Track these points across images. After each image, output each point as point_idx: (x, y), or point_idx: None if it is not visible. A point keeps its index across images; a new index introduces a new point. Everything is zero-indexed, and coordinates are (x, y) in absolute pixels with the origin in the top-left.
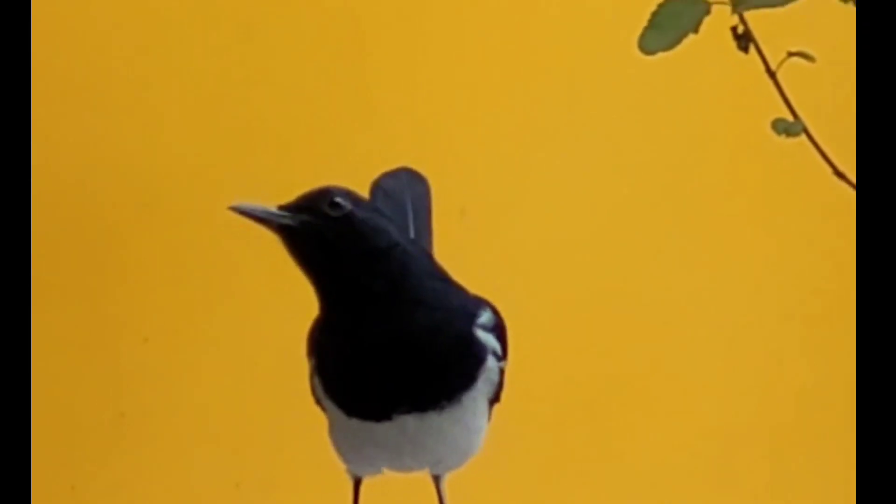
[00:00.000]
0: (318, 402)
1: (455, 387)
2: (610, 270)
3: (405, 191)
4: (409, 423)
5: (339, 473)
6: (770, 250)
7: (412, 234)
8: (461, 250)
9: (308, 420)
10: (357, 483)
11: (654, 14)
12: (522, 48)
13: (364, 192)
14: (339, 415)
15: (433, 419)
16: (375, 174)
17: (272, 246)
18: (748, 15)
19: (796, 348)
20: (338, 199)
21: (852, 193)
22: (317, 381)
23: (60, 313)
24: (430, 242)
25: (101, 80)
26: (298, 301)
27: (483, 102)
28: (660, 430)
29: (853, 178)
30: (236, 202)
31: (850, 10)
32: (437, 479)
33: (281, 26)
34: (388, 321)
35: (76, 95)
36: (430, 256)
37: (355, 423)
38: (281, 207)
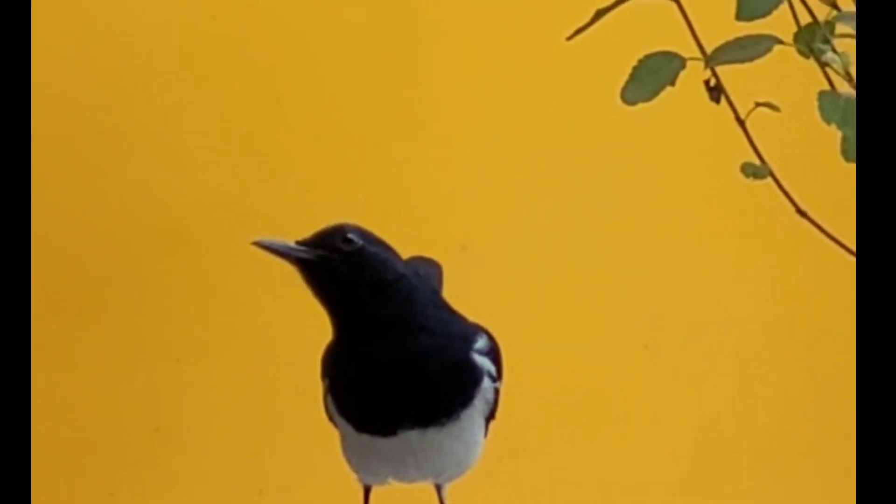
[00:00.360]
0: (330, 419)
1: (454, 405)
2: (595, 298)
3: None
4: (412, 438)
5: (352, 481)
6: (740, 277)
7: None
8: (462, 282)
9: (324, 432)
10: (367, 491)
11: (635, 68)
12: (520, 100)
13: (374, 227)
14: (350, 431)
15: (434, 434)
16: (387, 210)
17: (291, 276)
18: (719, 69)
19: (765, 368)
20: (350, 236)
21: (812, 228)
22: (329, 400)
23: (101, 338)
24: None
25: (136, 117)
26: (315, 325)
27: (483, 149)
28: (641, 441)
29: (813, 215)
30: (259, 238)
31: (812, 64)
32: (438, 488)
33: (304, 73)
34: (394, 346)
35: (111, 133)
36: (433, 288)
37: (364, 438)
38: (299, 242)
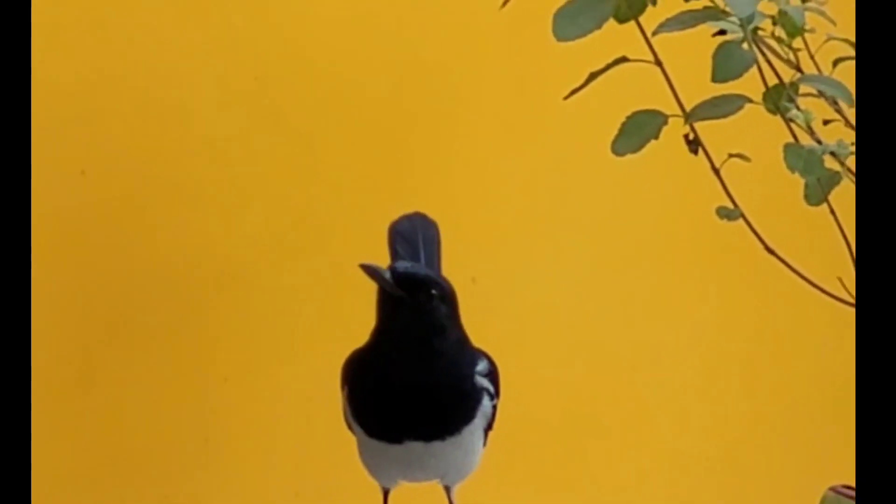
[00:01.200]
0: (348, 425)
1: (457, 423)
2: (588, 325)
3: (418, 231)
4: (416, 447)
5: (377, 486)
6: (716, 307)
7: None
8: (471, 313)
9: (352, 442)
10: (385, 494)
11: (624, 124)
12: (524, 150)
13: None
14: (363, 435)
15: (437, 446)
16: None
17: (325, 308)
18: (697, 124)
19: (736, 390)
20: (434, 292)
21: (780, 265)
22: (347, 406)
23: (159, 360)
24: (439, 271)
25: (189, 169)
26: (345, 351)
27: (492, 194)
28: (628, 452)
29: (779, 252)
30: (366, 261)
31: (778, 120)
32: (447, 489)
33: (336, 128)
34: (413, 366)
35: (168, 182)
36: (460, 322)
37: (374, 442)
38: (393, 274)
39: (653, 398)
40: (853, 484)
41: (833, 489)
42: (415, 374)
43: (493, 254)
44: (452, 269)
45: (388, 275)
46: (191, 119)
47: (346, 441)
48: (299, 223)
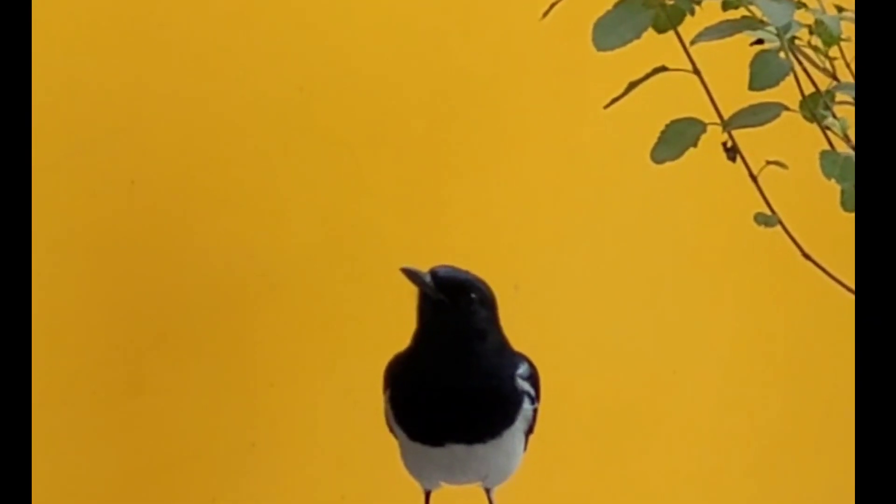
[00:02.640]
0: (390, 428)
1: (498, 426)
2: (630, 330)
3: None
4: (457, 450)
5: (419, 487)
6: (754, 311)
7: None
8: (514, 318)
9: (394, 444)
10: (427, 495)
11: (663, 132)
12: (566, 159)
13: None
14: (405, 438)
15: (478, 449)
16: (452, 253)
17: (366, 315)
18: (735, 132)
19: (772, 394)
20: (473, 296)
21: (817, 271)
22: (389, 409)
23: (207, 366)
24: None
25: (237, 180)
26: (385, 355)
27: (534, 202)
28: (668, 453)
29: (816, 257)
30: (406, 265)
31: (814, 128)
32: (488, 492)
33: (378, 136)
34: (455, 369)
35: (218, 194)
36: (499, 326)
37: (417, 446)
38: (434, 278)
39: (691, 401)
40: None
41: None
42: (455, 378)
43: (535, 261)
44: (495, 276)
45: (428, 278)
46: (237, 129)
47: (389, 443)
48: (342, 230)
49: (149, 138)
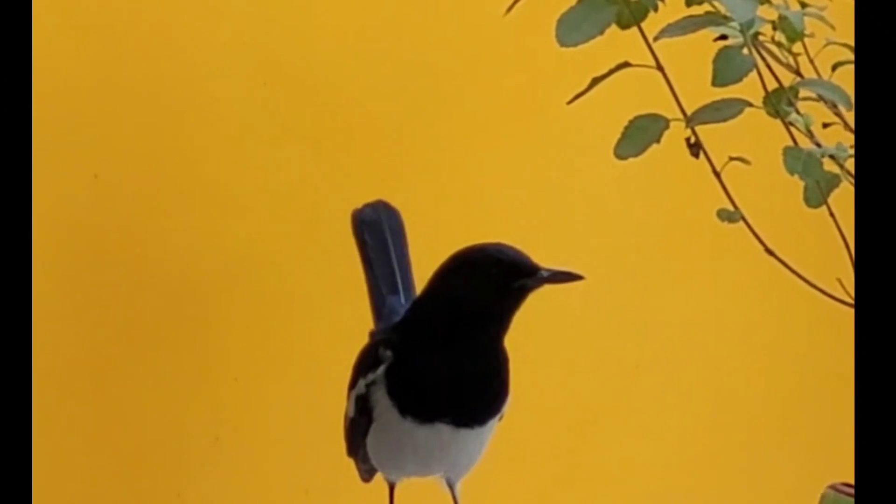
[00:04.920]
0: (366, 409)
1: (489, 413)
2: (592, 325)
3: (383, 220)
4: (444, 432)
5: (383, 484)
6: (716, 306)
7: (394, 260)
8: None
9: None
10: (392, 488)
11: (626, 128)
12: (528, 155)
13: None
14: (392, 415)
15: (463, 434)
16: (413, 249)
17: (332, 309)
18: (698, 128)
19: (736, 389)
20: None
21: (780, 266)
22: (381, 383)
23: (171, 361)
24: (408, 264)
25: (200, 171)
26: (354, 349)
27: (497, 198)
28: (630, 448)
29: (779, 253)
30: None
31: (778, 124)
32: (451, 486)
33: (344, 132)
34: (478, 355)
35: (181, 184)
36: None
37: (403, 423)
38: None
39: (653, 397)
40: (853, 482)
41: (833, 487)
42: (468, 359)
43: None
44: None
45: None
46: (200, 123)
47: None
48: (308, 225)
49: (112, 132)
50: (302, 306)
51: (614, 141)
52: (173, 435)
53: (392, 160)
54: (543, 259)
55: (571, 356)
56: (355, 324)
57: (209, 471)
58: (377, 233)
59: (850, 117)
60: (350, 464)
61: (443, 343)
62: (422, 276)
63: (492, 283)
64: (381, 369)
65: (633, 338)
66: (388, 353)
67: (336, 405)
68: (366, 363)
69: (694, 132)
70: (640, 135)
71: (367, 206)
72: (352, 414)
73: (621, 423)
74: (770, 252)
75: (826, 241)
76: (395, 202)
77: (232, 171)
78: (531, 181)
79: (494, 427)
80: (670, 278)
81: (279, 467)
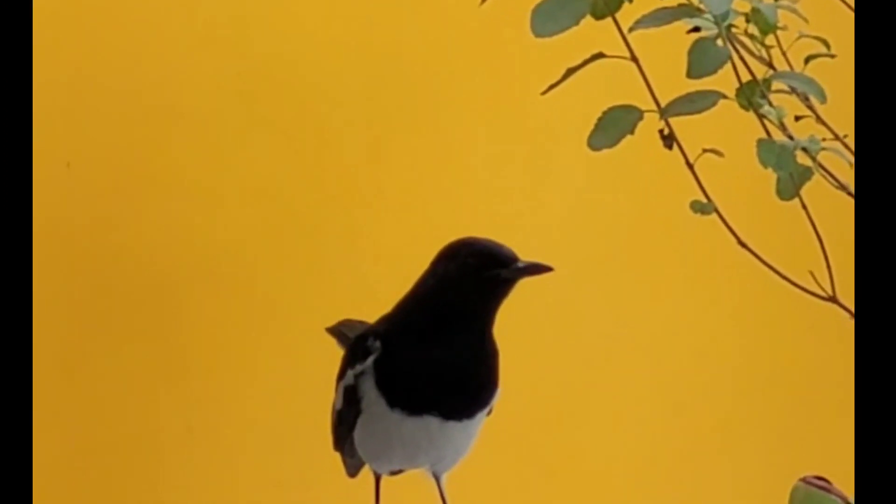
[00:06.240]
0: (353, 400)
1: (477, 407)
2: (565, 319)
3: None
4: (432, 425)
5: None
6: (689, 297)
7: None
8: None
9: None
10: (378, 480)
11: (600, 119)
12: (503, 143)
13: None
14: (380, 406)
15: (451, 426)
16: (387, 242)
17: (305, 301)
18: (671, 119)
19: (708, 382)
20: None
21: (753, 259)
22: (370, 374)
23: (145, 354)
24: None
25: (174, 166)
26: (328, 340)
27: (470, 185)
28: (608, 433)
29: (751, 245)
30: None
31: (751, 116)
32: (437, 478)
33: (320, 127)
34: (465, 347)
35: (153, 177)
36: None
37: (392, 415)
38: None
39: (626, 388)
40: (824, 475)
41: (804, 480)
42: (458, 352)
43: None
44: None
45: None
46: (174, 114)
47: (326, 428)
48: (283, 217)
49: (85, 121)
50: (275, 298)
51: (588, 132)
52: (147, 425)
53: (367, 153)
54: (517, 250)
55: (544, 347)
56: (328, 316)
57: (183, 461)
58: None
59: (823, 110)
60: (322, 455)
61: (430, 335)
62: (397, 268)
63: (468, 272)
64: (370, 360)
65: (606, 330)
66: (378, 343)
67: (309, 397)
68: (355, 354)
69: (668, 124)
70: (613, 126)
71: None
72: (339, 405)
73: (593, 414)
74: (743, 244)
75: (799, 234)
76: (370, 195)
77: (206, 163)
78: (505, 172)
79: (483, 420)
80: (643, 270)
81: (252, 458)
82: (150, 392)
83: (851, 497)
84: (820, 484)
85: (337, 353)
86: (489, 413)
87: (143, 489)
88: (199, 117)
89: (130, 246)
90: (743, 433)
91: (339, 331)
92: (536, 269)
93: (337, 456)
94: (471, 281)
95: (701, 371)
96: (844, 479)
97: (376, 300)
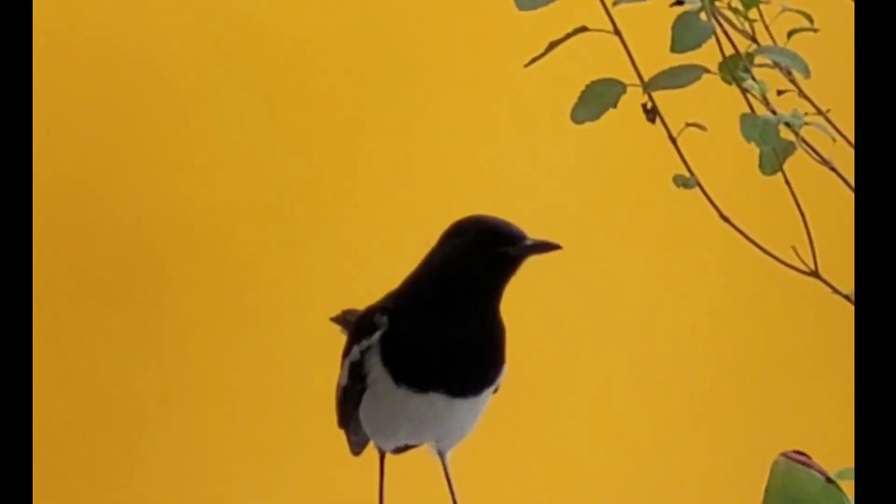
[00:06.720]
0: (359, 376)
1: (484, 383)
2: (547, 290)
3: None
4: (439, 402)
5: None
6: (671, 270)
7: None
8: None
9: (310, 403)
10: (382, 456)
11: (583, 92)
12: (486, 116)
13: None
14: (387, 383)
15: (458, 403)
16: (366, 214)
17: (286, 276)
18: (655, 93)
19: (690, 356)
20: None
21: (734, 232)
22: (376, 350)
23: (122, 322)
24: None
25: (157, 135)
26: (307, 311)
27: (451, 159)
28: (586, 405)
29: (733, 219)
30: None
31: (734, 90)
32: (441, 454)
33: (301, 100)
34: (471, 324)
35: (134, 146)
36: None
37: (398, 392)
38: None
39: (606, 362)
40: (804, 450)
41: (784, 455)
42: (466, 328)
43: (452, 221)
44: (411, 236)
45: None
46: (155, 82)
47: (302, 400)
48: (263, 187)
49: (65, 88)
50: (255, 267)
51: (571, 105)
52: (122, 393)
53: (347, 123)
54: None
55: (524, 320)
56: (306, 289)
57: (158, 429)
58: None
59: (805, 84)
60: (298, 425)
61: (437, 311)
62: (382, 250)
63: (476, 249)
64: (377, 336)
65: (586, 303)
66: (385, 319)
67: (286, 368)
68: (361, 329)
69: (651, 98)
70: (596, 99)
71: None
72: (344, 382)
73: (571, 390)
74: (725, 219)
75: (781, 208)
76: (355, 173)
77: (187, 132)
78: (487, 146)
79: (489, 398)
80: (625, 243)
81: (228, 427)
82: (125, 360)
83: (831, 471)
84: (801, 459)
85: (316, 323)
86: (496, 391)
87: (118, 456)
88: (180, 86)
89: (110, 213)
90: (725, 407)
91: (343, 319)
92: (545, 246)
93: (314, 426)
94: (479, 258)
95: (681, 345)
96: (825, 454)
97: (358, 272)
